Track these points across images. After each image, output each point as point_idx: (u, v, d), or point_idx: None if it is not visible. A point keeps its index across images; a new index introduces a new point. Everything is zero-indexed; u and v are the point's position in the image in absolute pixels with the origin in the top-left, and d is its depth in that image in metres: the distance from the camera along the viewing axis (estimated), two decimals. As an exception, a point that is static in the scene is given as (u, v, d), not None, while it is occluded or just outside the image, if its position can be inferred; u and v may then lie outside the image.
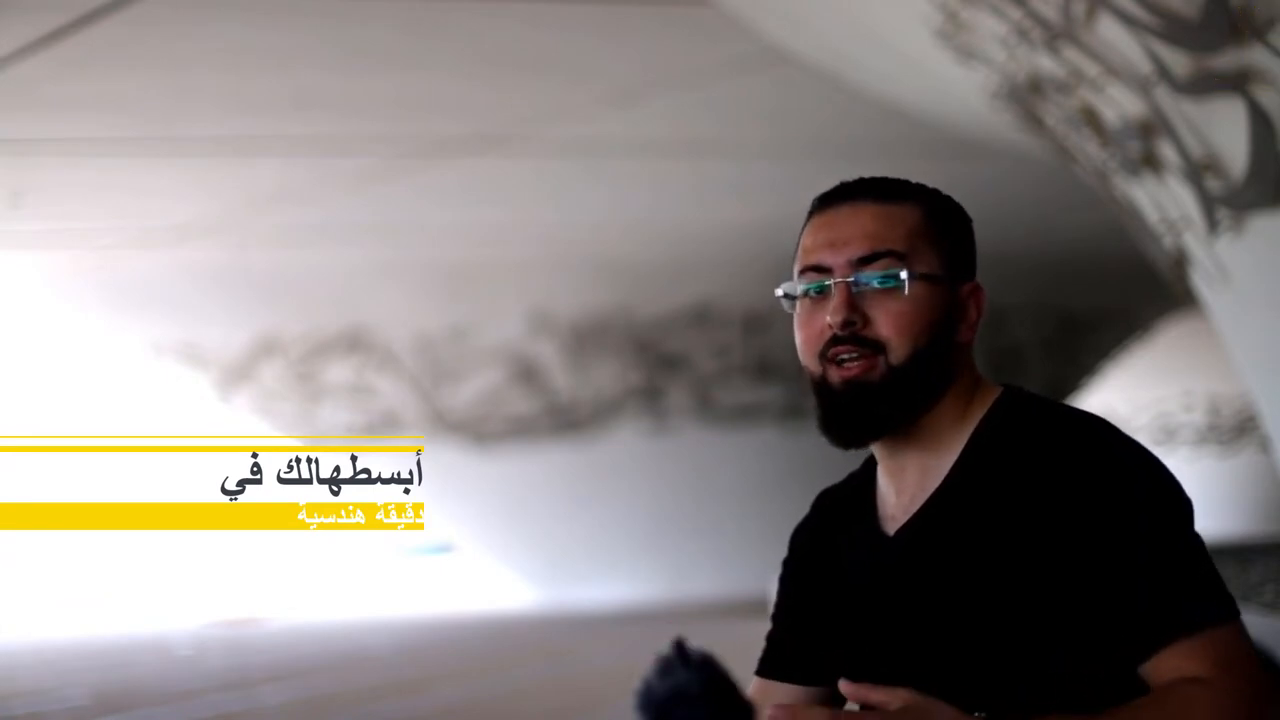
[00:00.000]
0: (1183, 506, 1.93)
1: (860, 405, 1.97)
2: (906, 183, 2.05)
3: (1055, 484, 1.91)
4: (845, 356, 1.97)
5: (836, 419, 1.99)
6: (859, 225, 1.99)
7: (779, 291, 2.04)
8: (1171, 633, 1.87)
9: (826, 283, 1.98)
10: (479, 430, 19.31)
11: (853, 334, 1.96)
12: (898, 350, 1.96)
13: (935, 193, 2.05)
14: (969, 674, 1.94)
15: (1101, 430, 1.95)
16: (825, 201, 2.04)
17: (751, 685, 2.15)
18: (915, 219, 2.00)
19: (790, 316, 2.05)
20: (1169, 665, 1.87)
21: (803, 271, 2.01)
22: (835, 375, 1.98)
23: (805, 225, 2.05)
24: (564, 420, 19.16)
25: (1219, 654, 1.87)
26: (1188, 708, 1.84)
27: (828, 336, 1.97)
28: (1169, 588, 1.88)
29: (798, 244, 2.05)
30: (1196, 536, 1.93)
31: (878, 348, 1.96)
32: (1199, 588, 1.89)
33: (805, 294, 2.00)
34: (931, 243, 2.00)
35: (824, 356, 1.98)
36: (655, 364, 19.02)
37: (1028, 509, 1.91)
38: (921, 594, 1.97)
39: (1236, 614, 1.91)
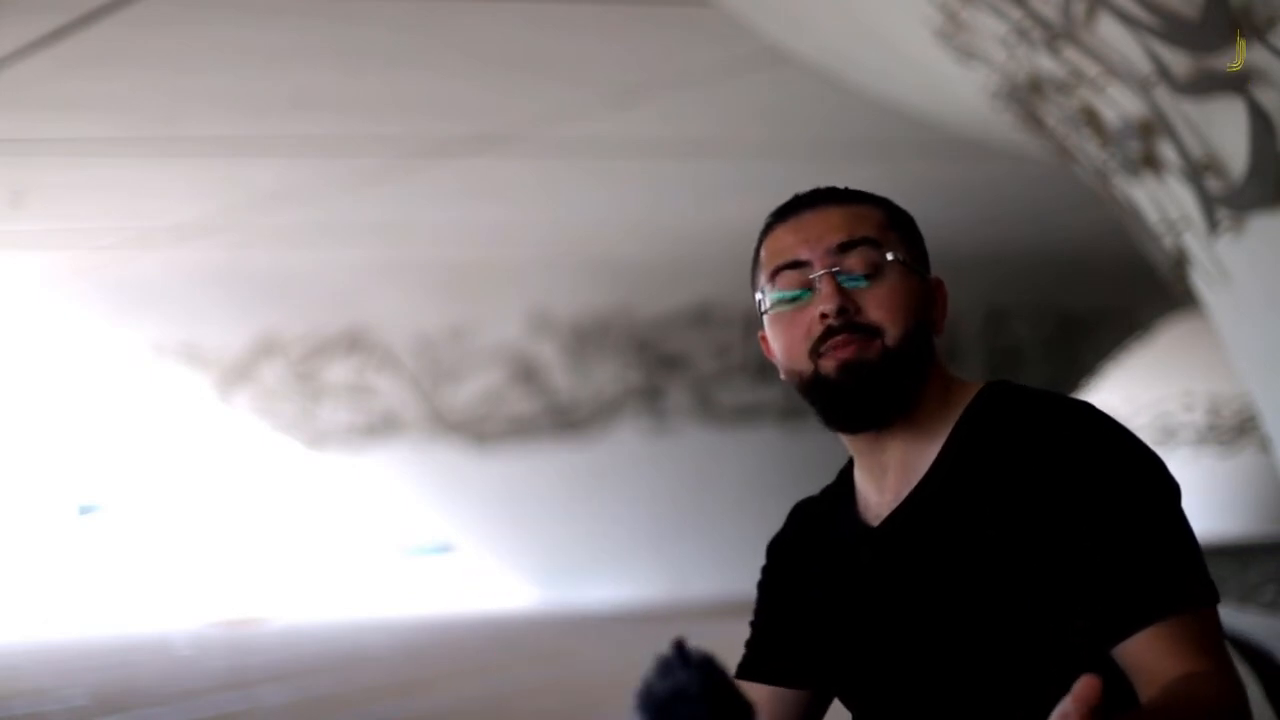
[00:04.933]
0: (1169, 489, 1.93)
1: (862, 387, 1.97)
2: (860, 190, 2.07)
3: (1039, 466, 1.91)
4: (841, 344, 1.97)
5: (842, 406, 1.99)
6: (828, 221, 2.01)
7: (757, 298, 2.03)
8: (1150, 613, 1.86)
9: (810, 277, 1.98)
10: (479, 430, 19.31)
11: (846, 321, 1.96)
12: (892, 332, 1.97)
13: (886, 198, 2.08)
14: (957, 663, 1.94)
15: (1087, 414, 1.95)
16: (784, 213, 2.05)
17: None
18: (878, 216, 2.03)
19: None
20: (1146, 647, 1.86)
21: (777, 271, 2.01)
22: (829, 364, 1.97)
23: (763, 239, 2.05)
24: (564, 420, 19.16)
25: (1200, 639, 1.86)
26: (1195, 701, 1.83)
27: (819, 331, 1.97)
28: (1150, 568, 1.87)
29: (756, 258, 2.05)
30: (1183, 519, 1.92)
31: (872, 332, 1.97)
32: (1180, 569, 1.88)
33: (782, 300, 2.00)
34: (898, 237, 2.02)
35: (815, 352, 1.98)
36: (655, 364, 19.02)
37: (1012, 491, 1.92)
38: (907, 583, 1.97)
39: (1217, 599, 1.90)
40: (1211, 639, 1.88)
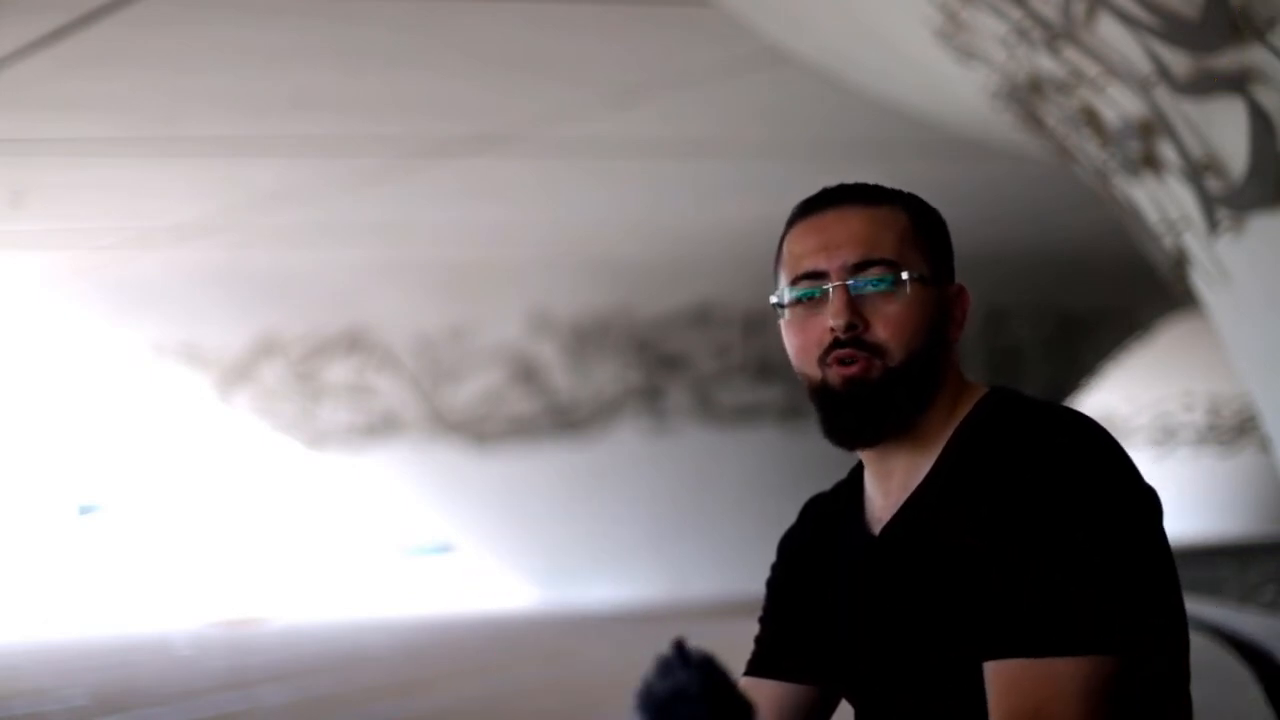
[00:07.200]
0: (1122, 523, 1.88)
1: (862, 404, 1.98)
2: (889, 188, 2.06)
3: (1005, 481, 1.91)
4: (846, 359, 1.98)
5: (840, 420, 2.00)
6: (849, 229, 2.00)
7: (772, 299, 2.05)
8: (1000, 647, 1.86)
9: (825, 287, 1.99)
10: (479, 430, 19.31)
11: (854, 337, 1.97)
12: (895, 353, 1.98)
13: (916, 197, 2.07)
14: (932, 670, 1.95)
15: (1071, 433, 1.93)
16: (810, 208, 2.05)
17: (740, 685, 2.16)
18: (902, 222, 2.02)
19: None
20: (991, 679, 1.86)
21: (796, 279, 2.02)
22: (835, 376, 1.99)
23: (787, 232, 2.06)
24: (564, 420, 19.17)
25: (1049, 687, 1.83)
26: None
27: (828, 341, 1.98)
28: (1029, 602, 1.85)
29: (779, 250, 2.06)
30: (1122, 556, 1.87)
31: (876, 351, 1.98)
32: (1066, 612, 1.84)
33: (798, 300, 2.01)
34: (919, 246, 2.01)
35: (823, 361, 1.99)
36: (655, 364, 19.02)
37: (983, 505, 1.92)
38: (896, 591, 1.99)
39: (1109, 649, 1.84)
40: (1069, 690, 1.82)
